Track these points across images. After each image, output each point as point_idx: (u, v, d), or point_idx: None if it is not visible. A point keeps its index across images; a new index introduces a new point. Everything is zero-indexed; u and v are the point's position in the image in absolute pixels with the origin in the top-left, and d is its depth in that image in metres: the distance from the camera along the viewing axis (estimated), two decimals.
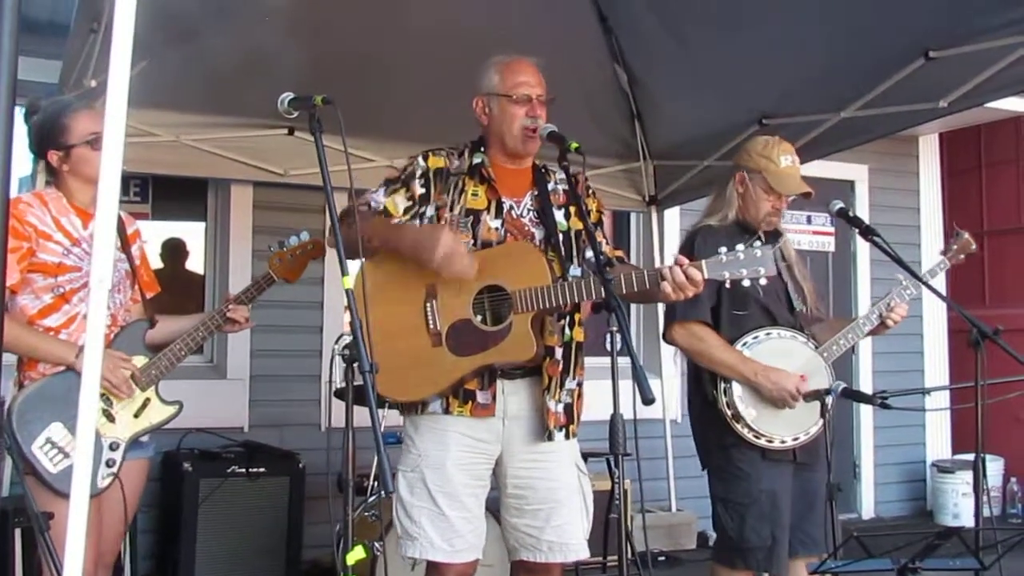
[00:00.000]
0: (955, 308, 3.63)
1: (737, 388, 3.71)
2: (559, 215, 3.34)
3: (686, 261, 3.02)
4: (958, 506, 7.97)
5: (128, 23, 1.97)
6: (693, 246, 3.77)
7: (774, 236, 3.90)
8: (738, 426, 3.70)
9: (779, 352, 3.73)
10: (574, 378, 3.29)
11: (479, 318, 3.13)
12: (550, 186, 3.39)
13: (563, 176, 3.38)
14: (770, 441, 3.69)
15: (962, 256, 4.04)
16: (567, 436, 3.27)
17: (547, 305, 3.06)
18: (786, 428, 3.70)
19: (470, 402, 3.15)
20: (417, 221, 3.26)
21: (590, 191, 3.49)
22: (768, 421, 3.69)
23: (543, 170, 3.43)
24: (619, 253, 3.48)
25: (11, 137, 1.82)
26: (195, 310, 5.85)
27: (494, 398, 3.16)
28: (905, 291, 3.83)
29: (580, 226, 3.34)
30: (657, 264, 6.65)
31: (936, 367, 8.53)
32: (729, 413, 3.70)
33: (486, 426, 3.17)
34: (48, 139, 3.33)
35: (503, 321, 3.11)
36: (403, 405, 3.28)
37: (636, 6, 4.73)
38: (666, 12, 4.69)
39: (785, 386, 3.64)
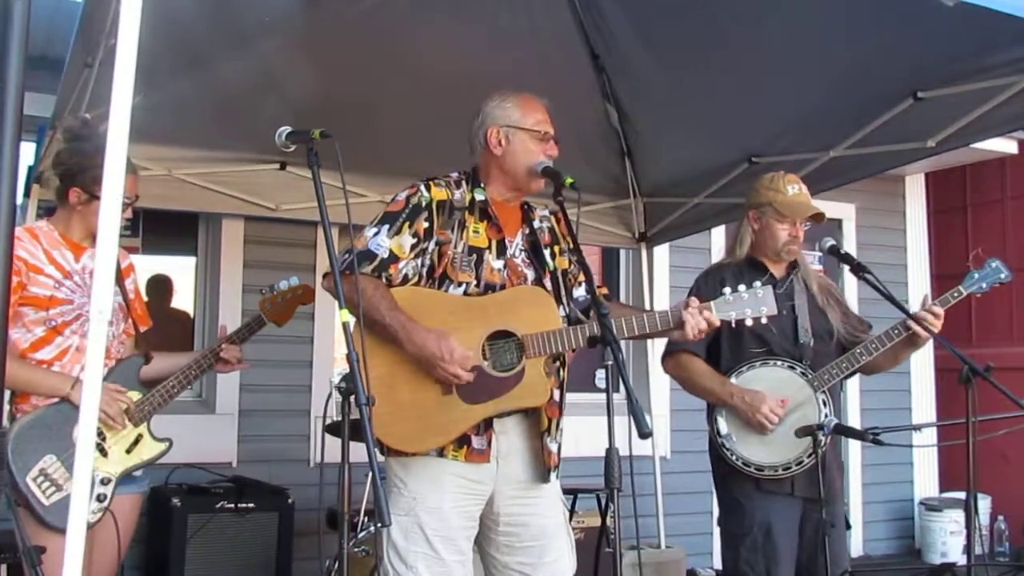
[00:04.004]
0: (945, 345, 3.63)
1: (721, 415, 3.75)
2: (546, 254, 3.31)
3: (696, 302, 3.10)
4: (946, 544, 7.99)
5: (131, 55, 1.98)
6: (698, 285, 3.88)
7: (792, 267, 3.94)
8: (727, 454, 3.73)
9: (767, 380, 3.75)
10: (563, 416, 3.27)
11: (487, 364, 3.06)
12: (535, 224, 3.35)
13: (544, 214, 3.40)
14: (759, 470, 3.69)
15: (984, 286, 3.76)
16: (557, 475, 3.26)
17: (558, 349, 3.07)
18: (770, 455, 3.69)
19: (465, 447, 3.07)
20: (420, 259, 3.13)
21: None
22: (749, 447, 3.71)
23: (527, 207, 3.39)
24: (604, 291, 3.42)
25: (16, 173, 1.82)
26: (180, 347, 5.84)
27: (489, 443, 3.10)
28: (894, 332, 3.78)
29: (565, 265, 3.36)
30: (647, 300, 6.71)
31: (923, 405, 8.55)
32: (719, 442, 3.74)
33: (480, 468, 3.11)
34: (75, 177, 3.34)
35: (506, 366, 3.08)
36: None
37: (629, 45, 4.75)
38: (658, 52, 4.72)
39: (758, 406, 3.65)
